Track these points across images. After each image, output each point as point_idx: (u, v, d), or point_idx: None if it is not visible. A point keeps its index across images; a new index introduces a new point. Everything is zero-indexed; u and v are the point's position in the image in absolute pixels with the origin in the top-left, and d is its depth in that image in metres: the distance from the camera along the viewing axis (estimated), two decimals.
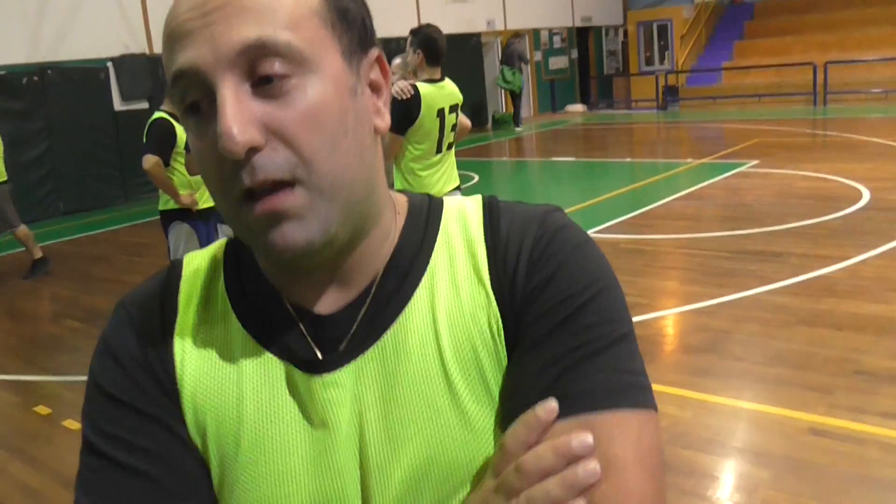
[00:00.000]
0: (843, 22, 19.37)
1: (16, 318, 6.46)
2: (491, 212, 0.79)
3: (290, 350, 0.75)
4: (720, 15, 22.00)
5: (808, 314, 4.78)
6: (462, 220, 0.80)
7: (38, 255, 7.59)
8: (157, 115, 4.97)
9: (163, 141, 4.89)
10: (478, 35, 18.39)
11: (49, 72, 10.97)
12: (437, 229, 0.79)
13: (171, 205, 5.02)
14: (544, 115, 20.24)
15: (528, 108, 19.87)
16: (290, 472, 0.75)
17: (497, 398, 0.74)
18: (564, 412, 0.68)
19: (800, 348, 4.31)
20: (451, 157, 4.48)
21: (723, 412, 3.72)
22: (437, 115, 4.25)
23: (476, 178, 11.27)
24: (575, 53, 21.84)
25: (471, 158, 13.05)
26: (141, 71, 11.74)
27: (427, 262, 0.77)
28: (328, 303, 0.76)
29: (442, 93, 4.31)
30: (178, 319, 0.78)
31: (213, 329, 0.78)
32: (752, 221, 7.14)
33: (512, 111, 18.16)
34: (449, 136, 4.37)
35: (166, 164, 4.91)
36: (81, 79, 11.33)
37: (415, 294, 0.76)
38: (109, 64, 11.65)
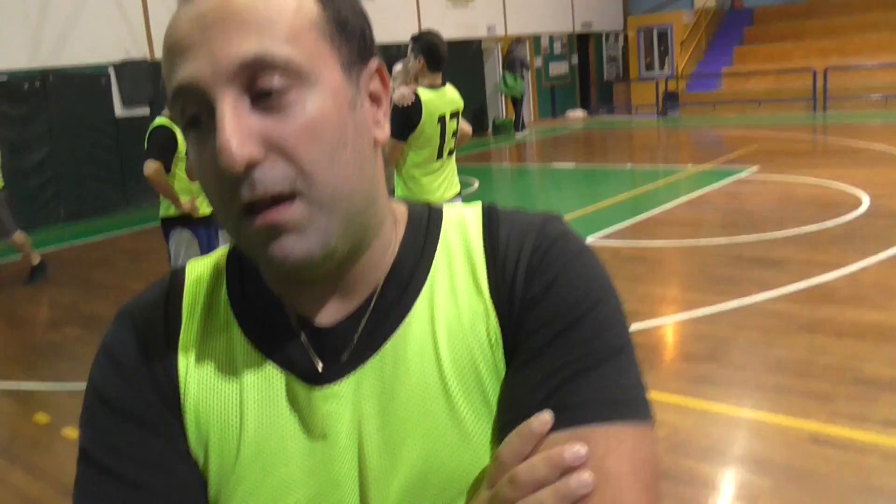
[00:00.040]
0: (842, 28, 19.40)
1: (15, 325, 6.45)
2: (490, 220, 0.79)
3: (292, 361, 0.76)
4: (720, 21, 22.04)
5: (809, 321, 4.78)
6: (462, 229, 0.79)
7: (37, 260, 7.59)
8: (158, 121, 4.97)
9: (164, 147, 4.90)
10: (478, 41, 18.41)
11: (50, 77, 10.98)
12: (437, 239, 0.79)
13: (173, 211, 5.03)
14: (545, 120, 20.25)
15: (528, 113, 19.88)
16: (288, 483, 0.75)
17: (495, 409, 0.74)
18: (559, 424, 0.68)
19: (800, 356, 4.30)
20: (451, 164, 4.49)
21: (723, 421, 3.72)
22: (439, 122, 4.26)
23: (476, 183, 11.28)
24: (575, 59, 21.87)
25: (471, 164, 13.05)
26: (142, 77, 11.75)
27: (427, 273, 0.77)
28: (330, 313, 0.76)
29: (443, 99, 4.31)
30: (182, 329, 0.78)
31: (216, 339, 0.78)
32: (753, 227, 7.14)
33: (513, 117, 18.18)
34: (450, 143, 4.38)
35: (168, 170, 4.92)
36: (83, 84, 11.33)
37: (415, 305, 0.76)
38: (111, 69, 11.66)
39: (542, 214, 0.80)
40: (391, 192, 7.87)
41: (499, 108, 19.30)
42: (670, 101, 19.47)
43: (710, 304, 5.22)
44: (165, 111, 5.06)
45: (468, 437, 0.73)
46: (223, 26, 0.66)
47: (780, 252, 6.32)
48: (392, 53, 13.13)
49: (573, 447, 0.65)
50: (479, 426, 0.73)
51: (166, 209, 5.08)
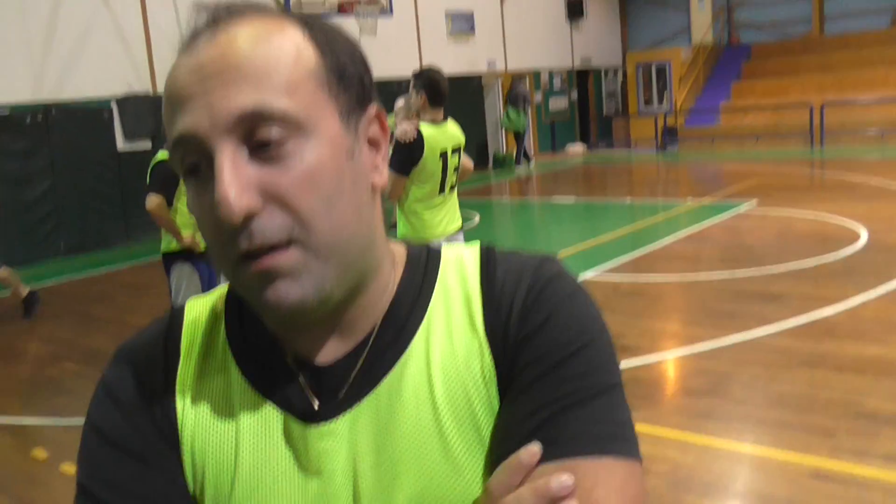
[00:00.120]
0: (839, 63, 19.60)
1: (13, 360, 6.43)
2: (488, 261, 0.80)
3: (289, 400, 0.76)
4: (718, 56, 22.26)
5: (809, 356, 4.77)
6: (460, 269, 0.81)
7: (25, 292, 7.56)
8: (160, 155, 5.00)
9: (166, 181, 4.92)
10: (479, 76, 18.58)
11: (53, 110, 11.06)
12: (435, 280, 0.80)
13: (174, 246, 5.04)
14: (545, 155, 20.36)
15: (529, 147, 20.01)
16: None
17: (488, 443, 0.75)
18: (548, 457, 0.69)
19: (801, 391, 4.29)
20: (453, 198, 4.51)
21: (725, 456, 3.70)
22: (440, 157, 4.29)
23: (477, 217, 11.31)
24: (575, 94, 22.06)
25: (472, 198, 13.10)
26: (144, 111, 11.83)
27: (424, 312, 0.78)
28: (327, 353, 0.77)
29: (444, 134, 4.35)
30: (180, 368, 0.79)
31: (214, 379, 0.79)
32: (752, 262, 7.16)
33: (513, 151, 18.29)
34: (451, 178, 4.40)
35: (170, 204, 4.93)
36: (85, 118, 11.41)
37: (411, 344, 0.77)
38: (113, 103, 11.75)
39: (538, 256, 0.81)
40: (392, 225, 7.88)
41: (499, 143, 19.43)
42: (669, 135, 19.60)
43: (710, 338, 5.22)
44: (167, 145, 5.09)
45: (460, 472, 0.74)
46: (222, 78, 0.67)
47: (780, 286, 6.33)
48: (393, 89, 13.24)
49: (560, 477, 0.65)
50: (472, 461, 0.74)
51: (168, 243, 5.09)
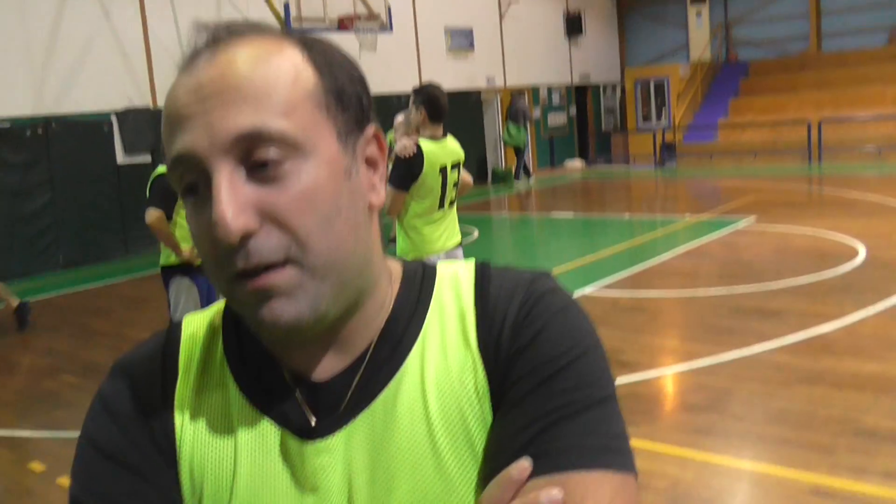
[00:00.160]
0: (836, 81, 19.69)
1: (11, 372, 6.42)
2: (482, 277, 0.81)
3: (286, 416, 0.77)
4: (716, 73, 22.36)
5: (808, 373, 4.77)
6: (455, 286, 0.81)
7: (16, 303, 7.56)
8: (160, 169, 5.01)
9: (166, 195, 4.93)
10: (478, 92, 18.66)
11: (53, 124, 11.09)
12: (430, 296, 0.81)
13: (173, 259, 5.04)
14: (543, 170, 20.41)
15: (528, 163, 20.07)
16: None
17: (481, 458, 0.75)
18: (539, 470, 0.69)
19: (800, 407, 4.29)
20: (452, 214, 4.52)
21: (724, 472, 3.69)
22: (440, 172, 4.30)
23: (476, 232, 11.32)
24: (573, 110, 22.14)
25: (471, 213, 13.12)
26: (144, 124, 11.86)
27: (419, 329, 0.79)
28: (324, 369, 0.77)
29: (444, 150, 4.36)
30: (178, 384, 0.80)
31: (212, 395, 0.79)
32: (751, 278, 7.16)
33: (513, 166, 18.35)
34: (451, 193, 4.42)
35: (169, 217, 4.94)
36: (85, 131, 11.43)
37: (406, 360, 0.77)
38: (113, 117, 11.78)
39: (532, 272, 0.81)
40: (391, 240, 7.88)
41: (498, 158, 19.48)
42: (667, 151, 19.65)
43: (709, 354, 5.22)
44: (167, 163, 5.09)
45: (454, 487, 0.74)
46: (221, 98, 0.67)
47: (779, 303, 6.34)
48: (393, 104, 13.28)
49: (549, 492, 0.65)
50: (465, 476, 0.74)
51: (167, 257, 5.09)
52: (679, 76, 21.56)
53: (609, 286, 7.41)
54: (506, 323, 0.76)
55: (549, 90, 21.09)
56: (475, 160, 17.89)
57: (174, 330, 0.84)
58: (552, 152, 21.20)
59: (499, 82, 19.27)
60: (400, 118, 7.67)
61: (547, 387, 0.72)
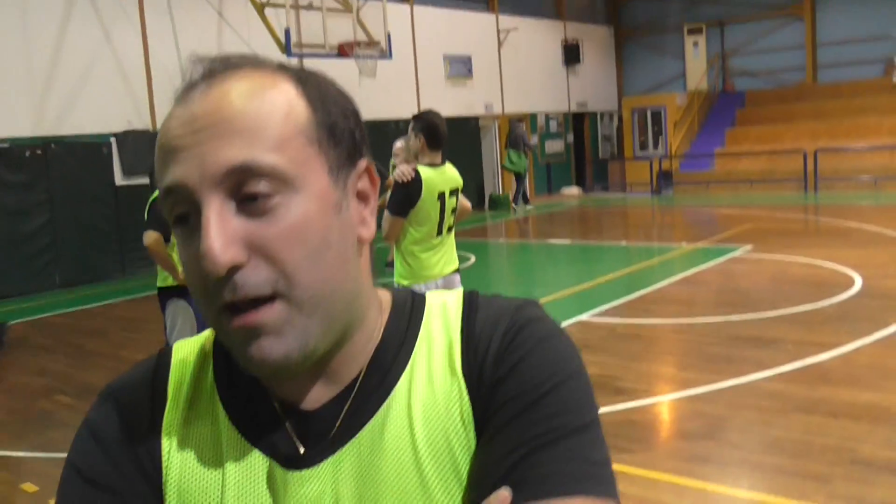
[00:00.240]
0: (832, 111, 19.85)
1: (6, 392, 6.38)
2: (470, 306, 0.81)
3: (274, 446, 0.77)
4: (712, 103, 22.52)
5: (805, 402, 4.77)
6: (444, 315, 0.82)
7: None
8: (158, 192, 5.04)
9: (164, 218, 4.94)
10: (476, 118, 18.77)
11: (52, 145, 11.12)
12: (419, 326, 0.81)
13: (170, 282, 5.05)
14: (541, 197, 20.47)
15: (527, 190, 20.16)
16: None
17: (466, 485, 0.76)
18: (520, 498, 0.69)
19: (797, 436, 4.29)
20: (450, 240, 4.54)
21: (720, 501, 3.68)
22: (438, 199, 4.33)
23: (473, 258, 11.33)
24: (571, 137, 22.26)
25: (468, 239, 13.14)
26: (143, 147, 11.89)
27: (408, 359, 0.79)
28: (313, 398, 0.78)
29: (443, 177, 4.39)
30: (167, 411, 0.80)
31: (201, 422, 0.79)
32: (747, 307, 7.18)
33: (510, 192, 18.42)
34: (449, 219, 4.44)
35: (167, 240, 4.96)
36: (84, 153, 11.47)
37: (394, 390, 0.78)
38: (112, 139, 11.82)
39: (518, 300, 0.82)
40: (388, 264, 7.87)
41: (496, 184, 19.55)
42: (664, 179, 19.75)
43: (705, 382, 5.22)
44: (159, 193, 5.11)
45: None
46: (213, 131, 0.68)
47: (775, 331, 6.35)
48: (391, 129, 13.36)
49: (498, 493, 0.66)
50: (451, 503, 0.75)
51: (164, 279, 5.10)
52: (676, 105, 21.72)
53: (606, 313, 7.41)
54: (489, 351, 0.77)
55: (547, 117, 21.22)
56: (473, 186, 17.96)
57: (164, 356, 0.84)
58: (549, 179, 21.29)
59: (497, 109, 19.39)
60: (399, 143, 7.70)
61: (528, 414, 0.73)
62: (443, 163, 4.44)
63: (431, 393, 0.77)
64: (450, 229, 4.48)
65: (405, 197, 4.24)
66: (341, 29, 12.21)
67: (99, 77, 11.65)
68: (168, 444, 0.78)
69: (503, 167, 18.46)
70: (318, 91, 0.74)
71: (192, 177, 0.68)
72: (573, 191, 21.42)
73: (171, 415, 0.79)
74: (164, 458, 0.78)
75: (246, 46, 12.30)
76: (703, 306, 7.50)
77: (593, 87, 22.97)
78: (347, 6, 12.32)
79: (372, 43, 12.53)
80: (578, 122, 22.56)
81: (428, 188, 4.27)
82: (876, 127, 18.58)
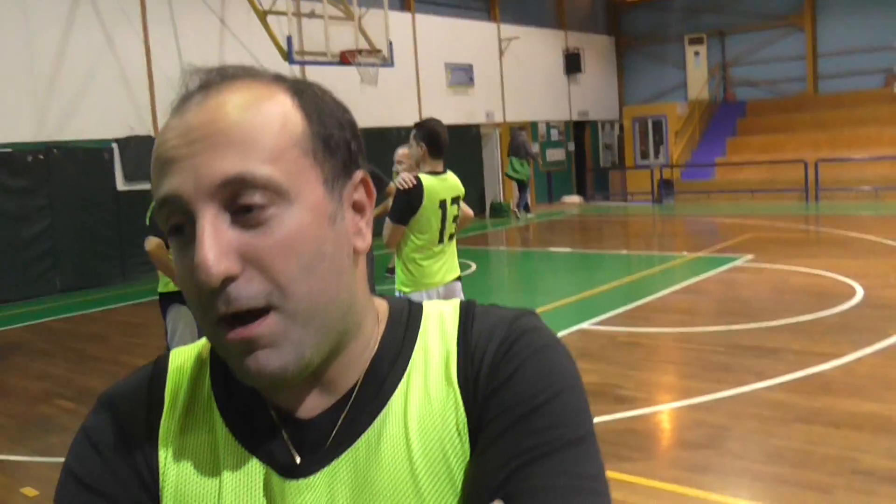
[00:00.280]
0: (833, 121, 19.87)
1: (6, 396, 6.38)
2: (466, 316, 0.81)
3: (271, 454, 0.77)
4: (713, 112, 22.54)
5: (806, 411, 4.76)
6: (441, 325, 0.82)
7: None
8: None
9: None
10: (477, 126, 18.79)
11: (54, 150, 11.14)
12: (416, 336, 0.81)
13: (171, 287, 5.05)
14: (541, 205, 20.49)
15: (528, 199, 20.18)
16: None
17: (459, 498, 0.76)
18: None
19: (798, 446, 4.28)
20: (452, 247, 4.54)
21: None
22: (439, 206, 4.33)
23: (474, 266, 11.33)
24: (572, 146, 22.28)
25: (468, 247, 13.13)
26: (145, 152, 11.87)
27: (405, 368, 0.79)
28: (310, 407, 0.78)
29: (444, 185, 4.40)
30: (163, 419, 0.80)
31: (198, 429, 0.79)
32: (748, 316, 7.17)
33: (510, 200, 18.42)
34: (450, 227, 4.44)
35: (168, 245, 4.96)
36: (86, 158, 11.49)
37: (390, 400, 0.78)
38: (114, 144, 11.83)
39: (515, 310, 0.82)
40: (389, 271, 7.84)
41: (496, 192, 19.57)
42: (665, 188, 19.76)
43: (706, 392, 5.21)
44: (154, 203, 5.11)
45: None
46: (209, 142, 0.68)
47: (776, 341, 6.34)
48: (393, 137, 13.37)
49: None
50: None
51: (165, 285, 5.10)
52: (677, 114, 21.74)
53: (606, 322, 7.40)
54: (485, 361, 0.77)
55: (548, 126, 21.25)
56: (474, 194, 17.98)
57: (161, 363, 0.84)
58: (550, 187, 21.31)
59: (498, 118, 19.43)
60: (401, 150, 7.71)
61: (521, 425, 0.73)
62: (444, 171, 4.45)
63: (427, 403, 0.77)
64: (451, 237, 4.48)
65: (406, 204, 4.25)
66: (343, 37, 12.25)
67: (101, 82, 11.67)
68: (165, 452, 0.78)
69: (506, 175, 18.47)
70: (314, 102, 0.74)
71: (187, 188, 0.68)
72: (574, 199, 21.44)
73: (168, 422, 0.79)
74: (161, 465, 0.78)
75: (248, 54, 12.33)
76: (704, 315, 7.49)
77: (594, 96, 23.01)
78: (349, 14, 12.35)
79: (374, 51, 12.56)
80: (579, 130, 22.58)
81: (429, 196, 4.27)
82: (877, 137, 18.60)
